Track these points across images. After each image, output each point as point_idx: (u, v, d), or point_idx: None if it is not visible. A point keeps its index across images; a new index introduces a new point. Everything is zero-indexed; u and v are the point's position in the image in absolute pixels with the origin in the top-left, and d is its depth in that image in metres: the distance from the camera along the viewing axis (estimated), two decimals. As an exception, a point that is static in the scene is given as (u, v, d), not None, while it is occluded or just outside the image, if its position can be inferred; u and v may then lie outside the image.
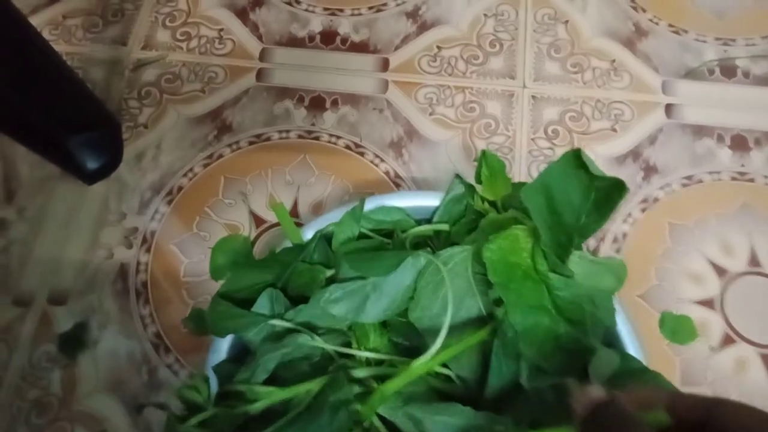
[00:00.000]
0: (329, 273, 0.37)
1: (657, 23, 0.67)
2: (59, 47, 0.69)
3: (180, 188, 0.60)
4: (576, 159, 0.26)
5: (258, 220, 0.58)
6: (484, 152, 0.41)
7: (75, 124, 0.59)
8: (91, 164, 0.59)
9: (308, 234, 0.42)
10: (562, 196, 0.26)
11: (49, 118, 0.58)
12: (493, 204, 0.40)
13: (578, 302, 0.28)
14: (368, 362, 0.33)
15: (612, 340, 0.38)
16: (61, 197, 0.60)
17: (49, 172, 0.61)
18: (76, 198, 0.60)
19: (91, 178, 0.60)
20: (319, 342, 0.34)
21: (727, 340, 0.51)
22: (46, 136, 0.58)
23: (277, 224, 0.57)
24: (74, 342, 0.52)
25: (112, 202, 0.59)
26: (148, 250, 0.57)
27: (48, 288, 0.55)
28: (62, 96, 0.59)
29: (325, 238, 0.40)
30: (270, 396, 0.31)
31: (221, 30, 0.69)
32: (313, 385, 0.31)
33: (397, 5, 0.69)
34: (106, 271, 0.56)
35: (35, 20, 0.70)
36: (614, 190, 0.25)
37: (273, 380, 0.33)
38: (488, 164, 0.41)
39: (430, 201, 0.43)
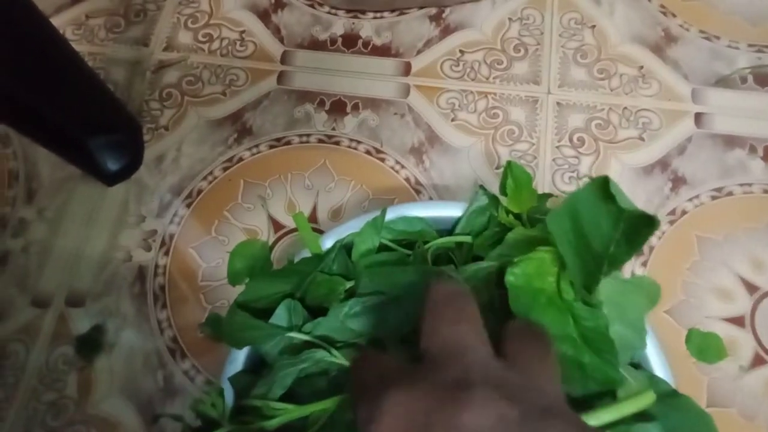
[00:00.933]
0: (348, 285, 0.36)
1: (687, 29, 0.65)
2: (82, 47, 0.69)
3: (199, 191, 0.59)
4: (603, 188, 0.24)
5: (277, 225, 0.57)
6: (509, 163, 0.40)
7: (96, 126, 0.59)
8: (112, 166, 0.59)
9: (327, 243, 0.41)
10: (590, 224, 0.24)
11: (71, 120, 0.58)
12: (518, 216, 0.39)
13: (604, 332, 0.27)
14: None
15: (640, 360, 0.36)
16: (81, 198, 0.60)
17: (70, 173, 0.61)
18: (96, 199, 0.60)
19: (112, 179, 0.60)
20: (337, 357, 0.33)
21: (758, 360, 0.50)
22: (67, 137, 0.58)
23: (295, 230, 0.57)
24: (91, 344, 0.52)
25: (131, 204, 0.59)
26: (166, 253, 0.57)
27: (66, 289, 0.55)
28: (84, 98, 0.59)
29: (344, 248, 0.39)
30: (286, 413, 0.30)
31: (243, 32, 0.68)
32: (330, 404, 0.30)
33: (421, 8, 0.68)
34: (124, 273, 0.56)
35: (59, 20, 0.71)
36: (644, 223, 0.23)
37: (290, 396, 0.32)
38: (514, 175, 0.40)
39: (452, 211, 0.42)
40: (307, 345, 0.34)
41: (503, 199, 0.40)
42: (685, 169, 0.58)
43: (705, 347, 0.49)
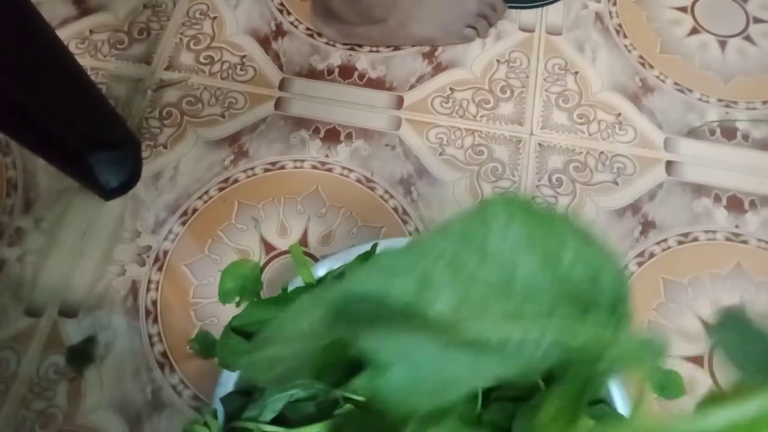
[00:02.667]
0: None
1: (663, 80, 0.70)
2: (85, 61, 0.71)
3: (194, 210, 0.62)
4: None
5: (268, 247, 0.60)
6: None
7: (96, 141, 0.61)
8: (110, 181, 0.61)
9: (320, 272, 0.44)
10: None
11: (71, 133, 0.60)
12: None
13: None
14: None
15: (604, 396, 0.40)
16: (78, 211, 0.62)
17: (68, 185, 0.63)
18: (93, 213, 0.62)
19: (109, 194, 0.62)
20: (325, 384, 0.35)
21: (713, 398, 0.53)
22: (66, 150, 0.60)
23: (286, 252, 0.59)
24: (82, 356, 0.54)
25: (127, 220, 0.61)
26: (160, 269, 0.59)
27: (59, 300, 0.57)
28: (85, 112, 0.61)
29: (337, 279, 0.42)
30: (278, 436, 0.33)
31: (244, 57, 0.71)
32: (319, 428, 0.33)
33: (414, 46, 0.72)
34: (118, 287, 0.58)
35: (63, 33, 0.72)
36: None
37: (280, 420, 0.34)
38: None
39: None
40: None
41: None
42: (654, 214, 0.62)
43: (666, 384, 0.53)
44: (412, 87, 0.69)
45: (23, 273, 0.58)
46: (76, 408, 0.52)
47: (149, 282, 0.58)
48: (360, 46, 0.72)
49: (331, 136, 0.66)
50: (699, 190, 0.63)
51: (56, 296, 0.57)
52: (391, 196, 0.63)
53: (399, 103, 0.68)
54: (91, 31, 0.74)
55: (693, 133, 0.67)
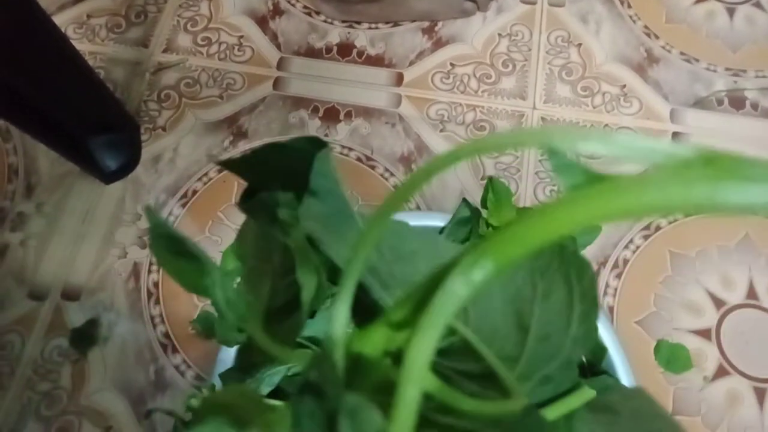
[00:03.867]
0: (336, 289, 0.38)
1: (669, 51, 0.68)
2: (83, 46, 0.70)
3: (194, 192, 0.61)
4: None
5: (268, 228, 0.59)
6: (491, 179, 0.42)
7: (96, 125, 0.61)
8: (110, 164, 0.61)
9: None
10: None
11: (70, 118, 0.59)
12: (497, 229, 0.42)
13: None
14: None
15: (606, 367, 0.39)
16: (79, 195, 0.62)
17: (68, 169, 0.63)
18: (93, 196, 0.61)
19: (109, 178, 0.61)
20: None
21: (721, 372, 0.53)
22: (66, 135, 0.60)
23: (286, 232, 0.59)
24: (85, 338, 0.54)
25: (127, 202, 0.61)
26: (160, 251, 0.58)
27: (62, 283, 0.57)
28: (84, 96, 0.60)
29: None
30: (274, 409, 0.32)
31: (241, 37, 0.70)
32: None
33: (414, 21, 0.71)
34: (120, 269, 0.58)
35: (61, 18, 0.72)
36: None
37: (277, 393, 0.34)
38: (495, 191, 0.42)
39: (436, 222, 0.44)
40: (296, 345, 0.37)
41: (484, 212, 0.42)
42: (661, 187, 0.60)
43: (673, 358, 0.52)
44: (411, 63, 0.68)
45: (26, 257, 0.59)
46: (80, 389, 0.53)
47: (150, 264, 0.58)
48: (358, 22, 0.70)
49: (331, 115, 0.65)
50: (706, 161, 0.62)
51: (59, 279, 0.57)
52: (392, 174, 0.62)
53: (399, 80, 0.67)
54: (88, 16, 0.73)
55: (700, 103, 0.65)
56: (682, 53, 0.68)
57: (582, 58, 0.68)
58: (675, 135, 0.63)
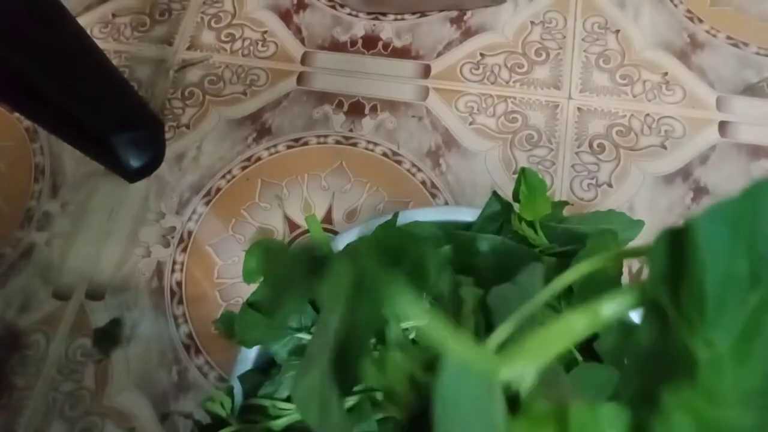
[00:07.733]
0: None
1: (715, 35, 0.64)
2: (108, 45, 0.70)
3: (218, 189, 0.60)
4: None
5: (292, 225, 0.58)
6: (523, 169, 0.40)
7: (119, 123, 0.60)
8: (134, 163, 0.60)
9: (340, 245, 0.41)
10: None
11: (94, 117, 0.59)
12: (531, 224, 0.39)
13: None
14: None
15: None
16: (103, 194, 0.61)
17: (93, 169, 0.62)
18: (118, 195, 0.61)
19: (134, 176, 0.61)
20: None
21: None
22: (90, 134, 0.60)
23: (310, 230, 0.57)
24: (109, 338, 0.53)
25: (151, 201, 0.60)
26: (184, 250, 0.58)
27: (86, 282, 0.57)
28: (108, 95, 0.60)
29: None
30: (292, 413, 0.30)
31: (265, 32, 0.69)
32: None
33: (441, 11, 0.68)
34: (143, 269, 0.57)
35: (87, 18, 0.72)
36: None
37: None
38: (527, 182, 0.39)
39: (464, 217, 0.42)
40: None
41: (516, 206, 0.40)
42: (707, 179, 0.57)
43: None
44: (439, 54, 0.66)
45: (51, 257, 0.58)
46: (103, 390, 0.52)
47: (174, 263, 0.57)
48: (384, 14, 0.68)
49: (355, 109, 0.63)
50: (756, 152, 0.58)
51: (83, 279, 0.57)
52: (419, 170, 0.60)
53: (426, 72, 0.65)
54: (113, 15, 0.73)
55: (749, 90, 0.61)
56: (728, 37, 0.64)
57: (620, 45, 0.64)
58: (722, 124, 0.59)
